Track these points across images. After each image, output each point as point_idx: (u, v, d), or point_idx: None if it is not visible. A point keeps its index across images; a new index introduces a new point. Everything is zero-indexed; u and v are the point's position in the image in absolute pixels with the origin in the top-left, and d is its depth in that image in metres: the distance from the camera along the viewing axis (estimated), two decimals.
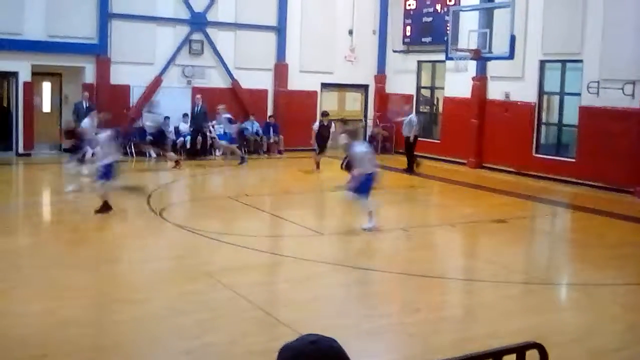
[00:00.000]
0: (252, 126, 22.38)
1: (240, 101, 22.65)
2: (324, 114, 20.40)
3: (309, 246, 11.03)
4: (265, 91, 23.62)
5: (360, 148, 12.14)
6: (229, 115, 20.26)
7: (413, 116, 20.84)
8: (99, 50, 20.88)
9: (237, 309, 7.65)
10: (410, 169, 19.83)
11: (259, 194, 15.55)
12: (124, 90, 21.25)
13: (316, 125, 19.74)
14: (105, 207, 12.01)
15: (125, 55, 21.08)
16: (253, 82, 23.05)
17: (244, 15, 22.83)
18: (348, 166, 15.08)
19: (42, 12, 19.98)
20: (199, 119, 21.57)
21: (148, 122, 20.00)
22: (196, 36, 22.30)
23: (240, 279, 8.80)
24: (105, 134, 12.49)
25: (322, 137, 19.19)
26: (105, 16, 20.84)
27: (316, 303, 8.18)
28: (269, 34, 23.54)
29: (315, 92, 24.34)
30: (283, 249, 11.12)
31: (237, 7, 22.74)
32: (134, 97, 21.46)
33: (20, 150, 20.26)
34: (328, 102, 24.54)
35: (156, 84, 21.69)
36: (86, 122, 15.49)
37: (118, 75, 21.16)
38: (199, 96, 21.74)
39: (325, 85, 24.60)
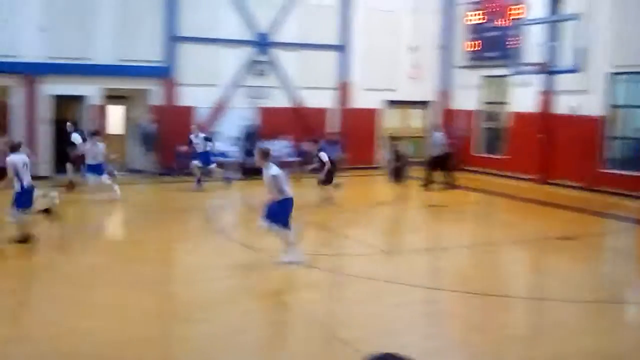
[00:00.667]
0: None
1: (303, 120, 22.79)
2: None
3: (372, 264, 10.96)
4: (328, 110, 23.70)
5: (272, 171, 10.48)
6: (204, 135, 19.20)
7: (439, 134, 20.53)
8: (165, 73, 21.38)
9: (299, 327, 7.64)
10: (447, 184, 19.47)
11: (323, 212, 15.54)
12: (188, 111, 21.65)
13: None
14: (24, 238, 10.88)
15: (191, 77, 21.54)
16: (316, 101, 23.20)
17: (307, 35, 23.04)
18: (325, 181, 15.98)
19: (110, 37, 20.59)
20: (250, 139, 21.73)
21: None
22: (260, 57, 22.60)
23: (303, 297, 8.80)
24: (19, 157, 10.94)
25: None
26: (171, 39, 21.34)
27: (379, 321, 8.10)
28: (331, 52, 23.68)
29: (378, 109, 24.34)
30: (346, 267, 11.07)
31: (300, 27, 22.97)
32: (198, 118, 21.84)
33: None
34: (391, 119, 24.51)
35: (221, 105, 22.05)
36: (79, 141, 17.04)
37: (183, 97, 21.63)
38: (250, 117, 21.99)
39: (387, 103, 24.55)
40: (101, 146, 16.59)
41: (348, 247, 12.57)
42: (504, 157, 22.54)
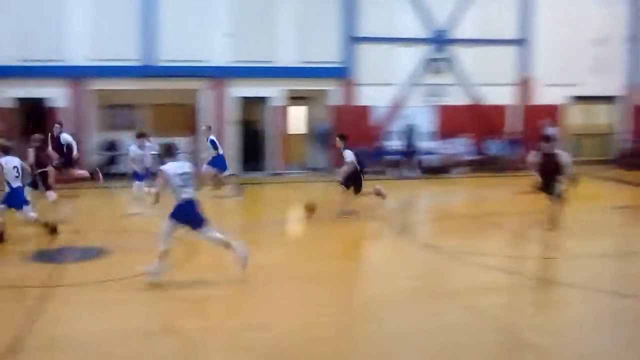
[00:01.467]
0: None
1: (482, 118, 22.32)
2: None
3: (554, 268, 10.52)
4: (508, 107, 23.05)
5: (172, 168, 8.88)
6: (213, 138, 17.25)
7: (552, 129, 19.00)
8: (344, 73, 21.76)
9: (483, 331, 7.47)
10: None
11: (503, 213, 15.13)
12: (365, 111, 21.90)
13: None
14: None
15: (368, 77, 21.79)
16: (493, 98, 22.64)
17: (485, 30, 22.54)
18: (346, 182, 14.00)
19: (292, 40, 21.28)
20: (410, 137, 21.57)
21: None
22: (437, 54, 22.40)
23: (487, 300, 8.60)
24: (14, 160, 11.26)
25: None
26: (349, 40, 21.69)
27: (565, 329, 7.74)
28: (510, 47, 23.01)
29: (561, 105, 23.32)
30: (527, 270, 10.68)
31: (478, 22, 22.52)
32: (375, 117, 22.02)
33: (272, 170, 21.68)
34: (574, 116, 23.43)
35: (398, 104, 22.12)
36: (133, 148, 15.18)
37: (360, 97, 21.91)
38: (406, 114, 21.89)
39: (570, 98, 23.45)
40: (150, 148, 15.11)
41: (529, 249, 12.14)
42: None
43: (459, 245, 11.88)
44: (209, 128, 17.55)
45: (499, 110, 22.71)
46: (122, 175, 18.38)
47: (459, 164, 21.46)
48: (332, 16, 21.68)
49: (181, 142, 21.55)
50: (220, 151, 17.03)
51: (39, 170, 13.68)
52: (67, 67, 20.22)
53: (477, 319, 7.81)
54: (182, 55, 20.55)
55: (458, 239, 12.66)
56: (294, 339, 6.99)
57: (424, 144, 21.90)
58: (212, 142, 17.00)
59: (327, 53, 21.61)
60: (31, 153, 13.67)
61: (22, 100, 20.42)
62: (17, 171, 11.14)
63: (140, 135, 15.30)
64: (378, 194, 14.57)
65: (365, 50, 21.87)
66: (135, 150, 14.99)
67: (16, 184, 11.10)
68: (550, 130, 17.50)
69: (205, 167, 16.82)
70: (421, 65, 22.32)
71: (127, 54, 20.47)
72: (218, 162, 16.91)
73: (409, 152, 21.51)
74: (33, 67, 19.87)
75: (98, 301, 8.16)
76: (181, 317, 7.67)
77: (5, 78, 19.77)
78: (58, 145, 16.08)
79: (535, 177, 12.67)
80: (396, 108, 22.18)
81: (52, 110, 20.36)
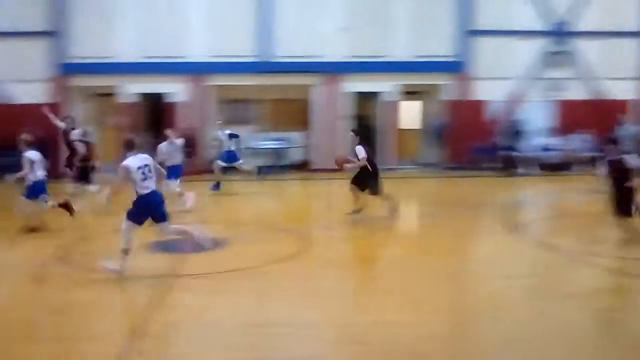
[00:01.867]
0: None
1: (602, 113, 21.46)
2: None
3: None
4: (629, 101, 22.05)
5: (132, 162, 8.64)
6: (229, 131, 17.24)
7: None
8: (459, 68, 21.44)
9: (596, 334, 7.20)
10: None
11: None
12: (480, 106, 21.49)
13: None
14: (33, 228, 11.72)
15: (484, 71, 21.38)
16: (614, 92, 21.72)
17: (607, 22, 21.64)
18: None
19: (406, 34, 21.21)
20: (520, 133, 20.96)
21: None
22: (556, 47, 21.71)
23: (599, 302, 8.28)
24: (33, 153, 11.66)
25: None
26: (465, 33, 21.35)
27: None
28: (633, 40, 21.99)
29: None
30: None
31: (599, 14, 21.65)
32: (491, 112, 21.58)
33: (384, 165, 21.60)
34: None
35: (515, 98, 21.59)
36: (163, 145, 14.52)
37: (475, 91, 21.54)
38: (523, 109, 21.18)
39: None
40: (178, 144, 14.65)
41: None
42: None
43: (574, 244, 11.47)
44: (222, 123, 17.53)
45: (620, 105, 21.75)
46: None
47: (579, 161, 20.72)
48: (447, 9, 21.41)
49: (295, 136, 22.04)
50: (233, 146, 17.10)
51: (89, 163, 14.36)
52: (188, 63, 20.95)
53: (596, 322, 7.53)
54: (297, 51, 20.85)
55: (574, 237, 12.21)
56: (409, 335, 6.97)
57: (542, 140, 21.28)
58: (230, 135, 17.03)
59: (441, 47, 21.36)
60: (82, 147, 14.40)
61: (144, 96, 21.30)
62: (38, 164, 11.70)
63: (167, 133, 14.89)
64: (391, 207, 13.03)
65: (481, 44, 21.46)
66: (164, 147, 14.32)
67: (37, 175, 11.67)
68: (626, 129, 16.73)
69: (216, 162, 16.95)
70: (539, 58, 21.69)
71: (245, 50, 20.98)
72: (229, 156, 16.97)
73: (521, 149, 20.95)
74: (155, 63, 20.70)
75: (217, 291, 8.40)
76: (298, 309, 7.78)
77: (129, 74, 20.68)
78: (68, 141, 15.19)
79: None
80: (513, 103, 21.66)
81: (172, 106, 21.13)
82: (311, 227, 12.77)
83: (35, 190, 11.64)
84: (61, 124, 15.59)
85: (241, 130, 18.63)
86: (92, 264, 9.16)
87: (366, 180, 12.72)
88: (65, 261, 9.83)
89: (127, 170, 8.51)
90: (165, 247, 10.38)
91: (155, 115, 21.56)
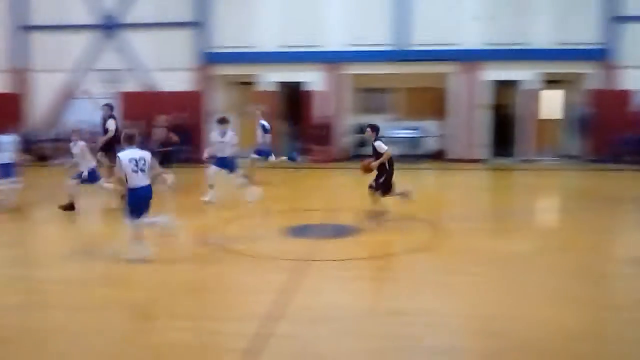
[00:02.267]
0: None
1: None
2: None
3: None
4: None
5: (126, 155, 8.75)
6: (264, 123, 16.01)
7: None
8: (604, 55, 20.46)
9: None
10: None
11: None
12: (627, 95, 20.40)
13: None
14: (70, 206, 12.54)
15: (632, 59, 20.29)
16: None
17: None
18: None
19: (548, 20, 20.46)
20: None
21: None
22: None
23: None
24: (81, 144, 12.46)
25: None
26: (612, 19, 20.33)
27: None
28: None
29: None
30: None
31: None
32: (637, 103, 20.45)
33: (523, 156, 21.02)
34: None
35: None
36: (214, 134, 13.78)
37: (623, 80, 20.46)
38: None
39: None
40: (230, 135, 13.54)
41: None
42: None
43: None
44: (262, 112, 16.35)
45: None
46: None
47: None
48: None
49: (431, 125, 21.85)
50: (267, 139, 16.03)
51: (163, 149, 14.66)
52: (325, 52, 21.19)
53: None
54: (434, 39, 20.61)
55: None
56: (545, 332, 6.77)
57: None
58: (263, 127, 15.95)
59: (585, 34, 20.45)
60: (158, 132, 14.78)
61: (282, 84, 21.76)
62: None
63: (222, 121, 13.70)
64: (403, 195, 12.01)
65: (630, 31, 20.36)
66: (216, 137, 13.60)
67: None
68: None
69: (252, 154, 16.03)
70: None
71: (381, 39, 20.97)
72: (263, 149, 16.04)
73: None
74: (293, 52, 21.08)
75: (350, 278, 8.47)
76: (426, 299, 7.72)
77: (268, 63, 21.19)
78: (104, 130, 14.82)
79: None
80: None
81: (309, 94, 21.46)
82: (446, 218, 12.63)
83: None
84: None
85: (377, 119, 18.62)
86: (230, 245, 9.47)
87: (381, 179, 11.56)
88: (204, 241, 10.23)
89: (119, 162, 8.78)
90: (301, 232, 10.57)
91: (293, 104, 21.99)
